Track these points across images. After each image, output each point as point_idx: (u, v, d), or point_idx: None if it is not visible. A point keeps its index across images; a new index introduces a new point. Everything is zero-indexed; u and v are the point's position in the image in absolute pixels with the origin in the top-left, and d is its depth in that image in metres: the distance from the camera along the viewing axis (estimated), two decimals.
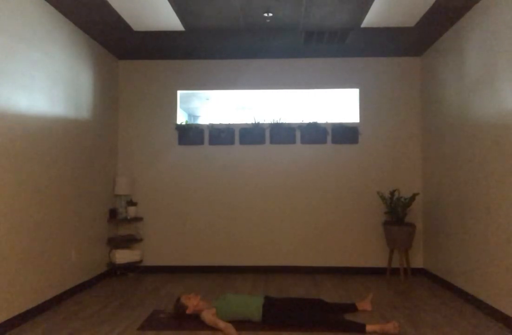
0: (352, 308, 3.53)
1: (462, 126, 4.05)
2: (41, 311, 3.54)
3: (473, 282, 3.78)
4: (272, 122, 5.22)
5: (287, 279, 4.84)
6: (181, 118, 5.68)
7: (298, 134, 5.21)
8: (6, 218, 3.12)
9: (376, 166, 5.17)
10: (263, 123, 5.24)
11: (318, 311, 3.28)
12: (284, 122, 5.22)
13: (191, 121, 6.71)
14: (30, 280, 3.41)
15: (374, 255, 5.10)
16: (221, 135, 5.23)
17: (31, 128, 3.45)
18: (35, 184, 3.49)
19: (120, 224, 5.25)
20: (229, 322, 3.13)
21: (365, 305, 3.57)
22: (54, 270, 3.78)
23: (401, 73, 5.21)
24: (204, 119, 7.10)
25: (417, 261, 5.07)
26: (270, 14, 3.93)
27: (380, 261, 5.09)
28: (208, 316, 3.18)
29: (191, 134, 5.25)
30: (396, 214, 4.73)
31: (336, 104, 5.99)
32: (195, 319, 3.27)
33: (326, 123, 5.21)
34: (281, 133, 5.20)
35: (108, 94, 5.06)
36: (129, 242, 5.03)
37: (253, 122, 5.23)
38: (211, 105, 6.64)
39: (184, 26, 4.24)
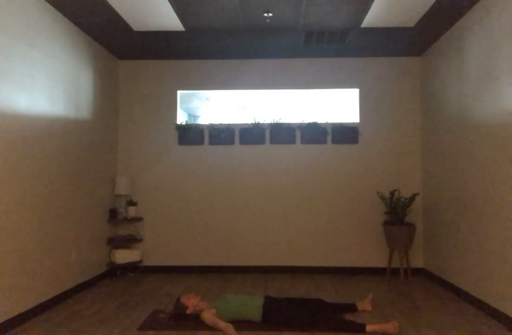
0: (352, 308, 3.53)
1: (462, 126, 4.05)
2: (41, 311, 3.54)
3: (473, 282, 3.78)
4: (272, 122, 5.22)
5: (287, 279, 4.84)
6: (181, 118, 5.67)
7: (298, 134, 5.21)
8: (6, 218, 3.12)
9: (376, 167, 5.17)
10: (263, 123, 5.24)
11: (318, 311, 3.28)
12: (284, 122, 5.22)
13: (191, 121, 6.71)
14: (30, 280, 3.41)
15: (374, 255, 5.10)
16: (221, 135, 5.23)
17: (31, 128, 3.45)
18: (34, 183, 3.49)
19: (120, 224, 5.25)
20: (229, 322, 3.13)
21: (365, 305, 3.57)
22: (54, 270, 3.78)
23: (401, 73, 5.21)
24: (204, 119, 7.09)
25: (417, 261, 5.07)
26: (270, 14, 3.93)
27: (380, 261, 5.09)
28: (208, 316, 3.18)
29: (191, 134, 5.25)
30: (396, 214, 4.73)
31: (336, 104, 5.99)
32: (195, 319, 3.28)
33: (326, 123, 5.21)
34: (281, 133, 5.20)
35: (108, 94, 5.06)
36: (129, 242, 5.03)
37: (253, 122, 5.23)
38: (211, 105, 6.64)
39: (184, 26, 4.24)
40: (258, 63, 5.30)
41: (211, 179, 5.24)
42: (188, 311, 3.27)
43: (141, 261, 5.07)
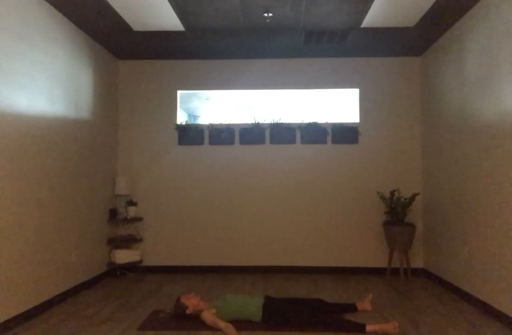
0: (352, 308, 3.52)
1: (462, 126, 4.05)
2: (41, 311, 3.54)
3: (473, 282, 3.78)
4: (272, 122, 5.22)
5: (287, 279, 4.84)
6: (181, 118, 5.67)
7: (298, 134, 5.21)
8: (6, 217, 3.12)
9: (376, 167, 5.17)
10: (263, 123, 5.24)
11: (318, 311, 3.28)
12: (284, 122, 5.22)
13: (191, 121, 6.71)
14: (30, 280, 3.41)
15: (374, 255, 5.10)
16: (221, 135, 5.23)
17: (31, 128, 3.45)
18: (34, 183, 3.49)
19: (120, 224, 5.25)
20: (229, 322, 3.13)
21: (365, 305, 3.57)
22: (54, 270, 3.78)
23: (401, 73, 5.21)
24: (204, 119, 7.09)
25: (417, 261, 5.07)
26: (270, 14, 3.93)
27: (380, 261, 5.09)
28: (208, 316, 3.19)
29: (191, 134, 5.25)
30: (396, 214, 4.73)
31: (336, 104, 5.99)
32: (195, 319, 3.28)
33: (326, 123, 5.21)
34: (281, 133, 5.20)
35: (108, 94, 5.06)
36: (129, 242, 5.03)
37: (253, 122, 5.23)
38: (211, 105, 6.64)
39: (184, 26, 4.24)
40: (258, 63, 5.30)
41: (211, 179, 5.24)
42: (188, 311, 3.27)
43: (141, 261, 5.07)
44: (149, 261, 5.21)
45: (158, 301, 3.93)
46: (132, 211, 5.06)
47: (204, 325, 3.19)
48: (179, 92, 5.40)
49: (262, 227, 5.19)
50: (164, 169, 5.28)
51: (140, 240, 5.16)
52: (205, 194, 5.24)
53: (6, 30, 3.14)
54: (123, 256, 4.86)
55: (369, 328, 3.04)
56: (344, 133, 5.17)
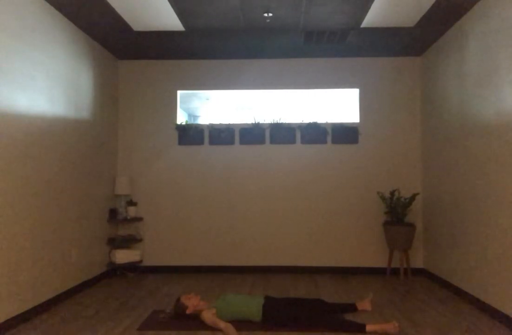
0: (352, 308, 3.52)
1: (462, 126, 4.05)
2: (41, 311, 3.54)
3: (473, 282, 3.78)
4: (272, 122, 5.22)
5: (287, 279, 4.84)
6: (181, 118, 5.67)
7: (298, 134, 5.21)
8: (6, 217, 3.12)
9: (376, 167, 5.17)
10: (263, 123, 5.24)
11: (318, 311, 3.28)
12: (284, 122, 5.22)
13: (191, 121, 6.71)
14: (30, 280, 3.41)
15: (374, 255, 5.10)
16: (221, 135, 5.23)
17: (31, 128, 3.45)
18: (34, 183, 3.49)
19: (120, 224, 5.25)
20: (229, 322, 3.12)
21: (365, 305, 3.57)
22: (54, 270, 3.78)
23: (401, 73, 5.21)
24: (204, 119, 7.09)
25: (417, 261, 5.07)
26: (270, 14, 3.93)
27: (380, 261, 5.09)
28: (208, 316, 3.18)
29: (191, 134, 5.25)
30: (396, 214, 4.73)
31: (336, 104, 5.99)
32: (195, 319, 3.27)
33: (326, 123, 5.21)
34: (281, 133, 5.20)
35: (108, 94, 5.06)
36: (129, 242, 5.03)
37: (253, 122, 5.23)
38: (211, 105, 6.64)
39: (184, 26, 4.24)
40: (258, 63, 5.30)
41: (211, 179, 5.24)
42: (188, 311, 3.27)
43: (141, 261, 5.07)
44: (149, 261, 5.21)
45: (158, 301, 3.93)
46: (132, 211, 5.06)
47: (204, 325, 3.19)
48: (179, 92, 5.40)
49: (262, 227, 5.19)
50: (164, 169, 5.28)
51: (140, 240, 5.16)
52: (205, 194, 5.24)
53: (6, 30, 3.14)
54: (123, 256, 4.86)
55: (369, 328, 3.03)
56: (344, 133, 5.17)
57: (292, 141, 5.21)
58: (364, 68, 5.24)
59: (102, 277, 4.77)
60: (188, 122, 5.39)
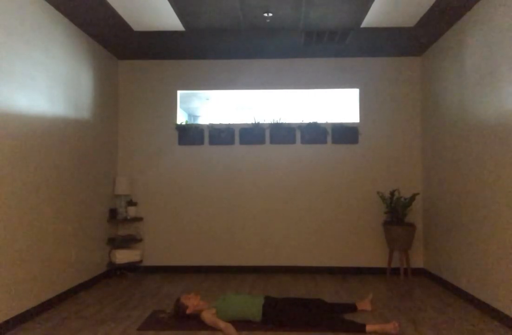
0: (352, 308, 3.52)
1: (462, 126, 4.05)
2: (41, 311, 3.54)
3: (473, 282, 3.78)
4: (272, 122, 5.22)
5: (287, 279, 4.84)
6: (181, 118, 5.68)
7: (298, 134, 5.21)
8: (6, 217, 3.12)
9: (376, 167, 5.17)
10: (263, 123, 5.24)
11: (318, 311, 3.28)
12: (284, 122, 5.22)
13: (191, 121, 6.72)
14: (30, 280, 3.41)
15: (374, 255, 5.10)
16: (221, 135, 5.23)
17: (31, 128, 3.45)
18: (34, 183, 3.49)
19: (120, 224, 5.25)
20: (229, 322, 3.12)
21: (365, 305, 3.57)
22: (54, 270, 3.78)
23: (401, 73, 5.21)
24: (204, 119, 7.10)
25: (417, 261, 5.07)
26: (270, 14, 3.93)
27: (380, 261, 5.09)
28: (208, 316, 3.18)
29: (191, 134, 5.25)
30: (396, 214, 4.73)
31: (336, 104, 5.99)
32: (195, 319, 3.27)
33: (326, 123, 5.21)
34: (281, 133, 5.20)
35: (108, 94, 5.06)
36: (129, 242, 5.03)
37: (253, 122, 5.23)
38: (211, 105, 6.64)
39: (184, 26, 4.24)
40: (258, 63, 5.30)
41: (211, 179, 5.24)
42: (188, 311, 3.27)
43: (141, 261, 5.07)
44: (149, 261, 5.21)
45: (158, 301, 3.93)
46: (132, 211, 5.07)
47: (204, 325, 3.19)
48: (179, 92, 5.40)
49: (262, 227, 5.19)
50: (164, 169, 5.28)
51: (140, 240, 5.16)
52: (205, 194, 5.24)
53: (6, 30, 3.14)
54: (123, 256, 4.86)
55: (369, 328, 3.03)
56: (344, 133, 5.17)
57: (292, 141, 5.21)
58: (364, 68, 5.24)
59: (102, 277, 4.77)
60: (188, 122, 5.39)
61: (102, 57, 4.89)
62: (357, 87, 5.26)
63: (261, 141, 5.22)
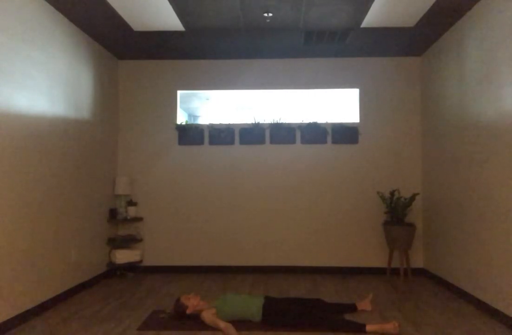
0: (352, 308, 3.52)
1: (462, 126, 4.05)
2: (41, 311, 3.54)
3: (473, 282, 3.78)
4: (272, 122, 5.22)
5: (287, 279, 4.84)
6: (181, 118, 5.67)
7: (298, 134, 5.21)
8: (6, 217, 3.12)
9: (376, 167, 5.17)
10: (263, 123, 5.24)
11: (318, 311, 3.28)
12: (284, 122, 5.22)
13: (191, 121, 6.72)
14: (30, 280, 3.41)
15: (374, 255, 5.10)
16: (221, 135, 5.23)
17: (31, 128, 3.45)
18: (34, 183, 3.49)
19: (120, 224, 5.25)
20: (229, 322, 3.12)
21: (365, 305, 3.57)
22: (54, 270, 3.78)
23: (401, 73, 5.21)
24: (204, 119, 7.10)
25: (417, 261, 5.07)
26: (270, 14, 3.93)
27: (380, 261, 5.09)
28: (208, 316, 3.18)
29: (191, 134, 5.25)
30: (396, 214, 4.73)
31: (336, 104, 5.99)
32: (195, 319, 3.27)
33: (326, 123, 5.21)
34: (281, 133, 5.20)
35: (108, 94, 5.06)
36: (129, 242, 5.03)
37: (253, 122, 5.23)
38: (211, 105, 6.64)
39: (184, 26, 4.24)
40: (258, 63, 5.30)
41: (211, 179, 5.24)
42: (188, 311, 3.27)
43: (141, 261, 5.07)
44: (149, 261, 5.21)
45: (158, 301, 3.93)
46: (132, 211, 5.07)
47: (204, 325, 3.19)
48: (179, 92, 5.40)
49: (262, 227, 5.19)
50: (164, 169, 5.28)
51: (140, 240, 5.16)
52: (205, 194, 5.24)
53: (6, 30, 3.14)
54: (123, 256, 4.86)
55: (369, 328, 3.03)
56: (344, 133, 5.17)
57: (292, 141, 5.21)
58: (364, 68, 5.24)
59: (102, 277, 4.77)
60: (188, 122, 5.40)
61: (102, 57, 4.89)
62: (357, 87, 5.26)
63: (261, 141, 5.22)
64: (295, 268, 5.13)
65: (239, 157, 5.24)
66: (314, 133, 5.18)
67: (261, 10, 3.87)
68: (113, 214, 5.00)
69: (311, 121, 5.20)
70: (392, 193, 4.78)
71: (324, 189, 5.18)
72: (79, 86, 4.33)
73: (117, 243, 4.91)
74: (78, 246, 4.23)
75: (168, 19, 4.05)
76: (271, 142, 5.22)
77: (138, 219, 5.12)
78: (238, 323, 3.18)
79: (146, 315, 3.51)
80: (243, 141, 5.23)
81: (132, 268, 5.11)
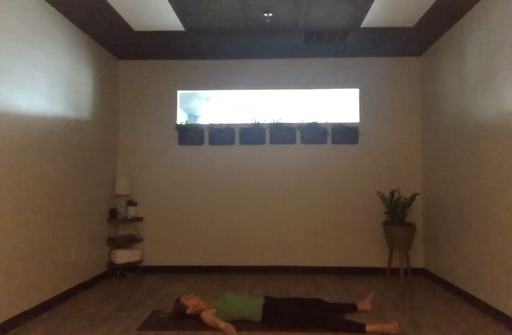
0: (352, 308, 3.52)
1: (462, 126, 4.05)
2: (41, 311, 3.54)
3: (473, 282, 3.78)
4: (272, 122, 5.22)
5: (287, 279, 4.84)
6: (181, 118, 5.67)
7: (298, 134, 5.21)
8: (6, 217, 3.12)
9: (376, 167, 5.17)
10: (263, 123, 5.24)
11: (318, 311, 3.28)
12: (284, 122, 5.22)
13: (191, 121, 6.71)
14: (30, 280, 3.41)
15: (374, 255, 5.10)
16: (221, 135, 5.23)
17: (31, 128, 3.45)
18: (34, 183, 3.49)
19: (120, 224, 5.24)
20: (229, 322, 3.12)
21: (365, 305, 3.57)
22: (54, 270, 3.78)
23: (401, 73, 5.21)
24: (204, 119, 7.10)
25: (417, 261, 5.07)
26: (270, 14, 3.93)
27: (380, 261, 5.09)
28: (208, 316, 3.19)
29: (191, 134, 5.25)
30: (396, 214, 4.73)
31: (336, 104, 5.99)
32: (195, 319, 3.28)
33: (326, 123, 5.21)
34: (281, 133, 5.20)
35: (108, 94, 5.06)
36: (129, 242, 5.03)
37: (253, 122, 5.23)
38: (211, 105, 6.64)
39: (184, 26, 4.24)
40: (258, 63, 5.30)
41: (211, 179, 5.24)
42: (188, 311, 3.27)
43: (141, 261, 5.07)
44: (149, 261, 5.21)
45: (158, 301, 3.93)
46: (132, 211, 5.07)
47: (204, 325, 3.19)
48: (179, 92, 5.40)
49: (262, 227, 5.19)
50: (164, 169, 5.28)
51: (140, 240, 5.16)
52: (205, 194, 5.24)
53: (7, 30, 3.14)
54: (123, 256, 4.86)
55: (369, 328, 3.03)
56: (344, 133, 5.17)
57: (292, 141, 5.21)
58: (364, 68, 5.24)
59: (102, 277, 4.77)
60: (188, 122, 5.40)
61: (102, 57, 4.89)
62: (357, 87, 5.26)
63: (261, 141, 5.22)
64: (295, 268, 5.13)
65: (239, 157, 5.24)
66: (314, 133, 5.18)
67: (261, 10, 3.87)
68: (113, 214, 5.00)
69: (311, 121, 5.20)
70: (392, 193, 4.78)
71: (324, 189, 5.18)
72: (79, 86, 4.33)
73: (117, 243, 4.91)
74: (78, 246, 4.23)
75: (168, 19, 4.05)
76: (271, 142, 5.22)
77: (138, 219, 5.12)
78: (238, 323, 3.17)
79: (146, 315, 3.51)
80: (243, 141, 5.23)
81: (132, 268, 5.11)
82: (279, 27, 4.28)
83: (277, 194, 5.20)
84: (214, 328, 3.13)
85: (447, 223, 4.34)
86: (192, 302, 3.28)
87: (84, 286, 4.32)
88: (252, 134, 5.22)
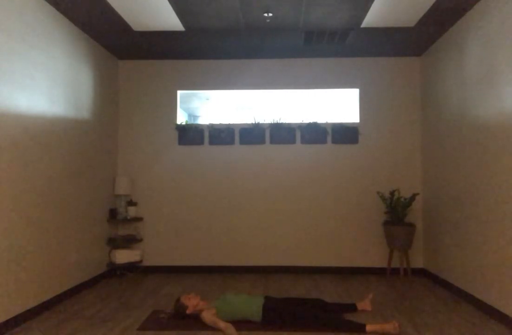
0: (352, 308, 3.53)
1: (462, 127, 4.05)
2: (41, 311, 3.54)
3: (473, 282, 3.78)
4: (272, 122, 5.22)
5: (287, 279, 4.84)
6: (181, 118, 5.67)
7: (298, 134, 5.21)
8: (6, 217, 3.12)
9: (376, 167, 5.17)
10: (263, 123, 5.24)
11: (318, 311, 3.28)
12: (284, 122, 5.22)
13: (191, 121, 6.72)
14: (30, 280, 3.41)
15: (374, 255, 5.10)
16: (221, 135, 5.23)
17: (31, 128, 3.45)
18: (35, 183, 3.49)
19: (120, 224, 5.24)
20: (229, 322, 3.13)
21: (365, 305, 3.57)
22: (54, 270, 3.78)
23: (401, 73, 5.21)
24: (204, 119, 7.10)
25: (417, 261, 5.07)
26: (270, 14, 3.93)
27: (380, 261, 5.09)
28: (208, 316, 3.19)
29: (191, 134, 5.25)
30: (396, 214, 4.73)
31: (336, 104, 5.99)
32: (195, 319, 3.28)
33: (326, 123, 5.21)
34: (281, 133, 5.20)
35: (108, 94, 5.06)
36: (129, 242, 5.03)
37: (253, 122, 5.23)
38: (211, 105, 6.64)
39: (184, 26, 4.24)
40: (258, 63, 5.30)
41: (211, 179, 5.24)
42: (188, 311, 3.27)
43: (141, 261, 5.07)
44: (149, 261, 5.21)
45: (158, 301, 3.93)
46: (132, 211, 5.07)
47: (204, 325, 3.19)
48: (179, 92, 5.40)
49: (262, 227, 5.19)
50: (164, 169, 5.28)
51: (140, 240, 5.16)
52: (205, 194, 5.24)
53: (6, 31, 3.14)
54: (123, 256, 4.86)
55: (369, 328, 3.04)
56: (344, 133, 5.17)
57: (292, 141, 5.21)
58: (364, 68, 5.24)
59: (102, 277, 4.77)
60: (188, 122, 5.40)
61: (102, 57, 4.89)
62: (357, 87, 5.26)
63: (261, 141, 5.22)
64: (295, 268, 5.13)
65: (239, 157, 5.24)
66: (314, 133, 5.18)
67: (261, 10, 3.87)
68: (113, 214, 5.00)
69: (311, 121, 5.20)
70: (392, 193, 4.78)
71: (324, 189, 5.18)
72: (79, 86, 4.33)
73: (117, 243, 4.91)
74: (78, 246, 4.23)
75: (168, 19, 4.05)
76: (271, 142, 5.22)
77: (138, 219, 5.12)
78: (238, 323, 3.18)
79: (146, 315, 3.51)
80: (243, 141, 5.23)
81: (132, 268, 5.11)
82: (279, 27, 4.28)
83: (277, 194, 5.20)
84: (214, 328, 3.13)
85: (447, 223, 4.34)
86: (192, 302, 3.28)
87: (84, 286, 4.32)
88: (252, 134, 5.22)
